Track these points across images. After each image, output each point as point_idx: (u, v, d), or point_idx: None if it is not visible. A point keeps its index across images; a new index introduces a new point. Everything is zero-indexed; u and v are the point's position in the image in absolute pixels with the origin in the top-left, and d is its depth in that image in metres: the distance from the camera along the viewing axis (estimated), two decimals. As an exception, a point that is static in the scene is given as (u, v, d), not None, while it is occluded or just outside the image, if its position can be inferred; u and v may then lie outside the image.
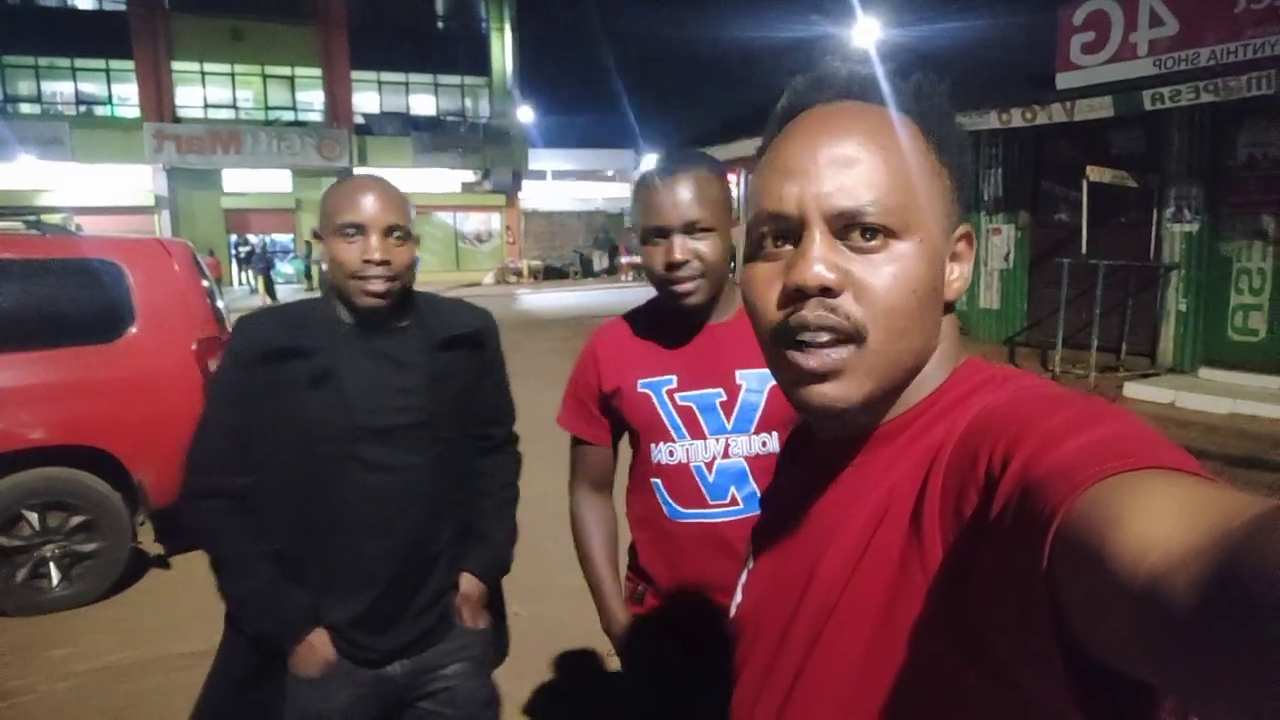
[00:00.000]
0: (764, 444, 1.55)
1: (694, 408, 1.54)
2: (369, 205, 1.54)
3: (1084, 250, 8.17)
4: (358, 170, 26.92)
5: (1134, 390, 7.95)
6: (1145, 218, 8.73)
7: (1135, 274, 8.67)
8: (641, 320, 1.66)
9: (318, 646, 1.59)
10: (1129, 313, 8.86)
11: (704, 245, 1.48)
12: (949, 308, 0.71)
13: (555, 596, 3.97)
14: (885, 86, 0.69)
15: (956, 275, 0.70)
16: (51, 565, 4.02)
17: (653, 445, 1.58)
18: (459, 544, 1.71)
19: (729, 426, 1.54)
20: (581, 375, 1.67)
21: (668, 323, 1.58)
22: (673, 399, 1.55)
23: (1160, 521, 0.39)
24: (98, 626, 3.86)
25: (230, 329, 1.65)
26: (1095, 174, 8.02)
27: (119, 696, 3.24)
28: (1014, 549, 0.48)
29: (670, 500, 1.58)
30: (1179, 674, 0.37)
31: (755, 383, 1.53)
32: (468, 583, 1.74)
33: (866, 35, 15.71)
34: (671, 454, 1.56)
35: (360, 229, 1.53)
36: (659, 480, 1.59)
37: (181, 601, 4.00)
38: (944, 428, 0.63)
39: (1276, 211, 7.86)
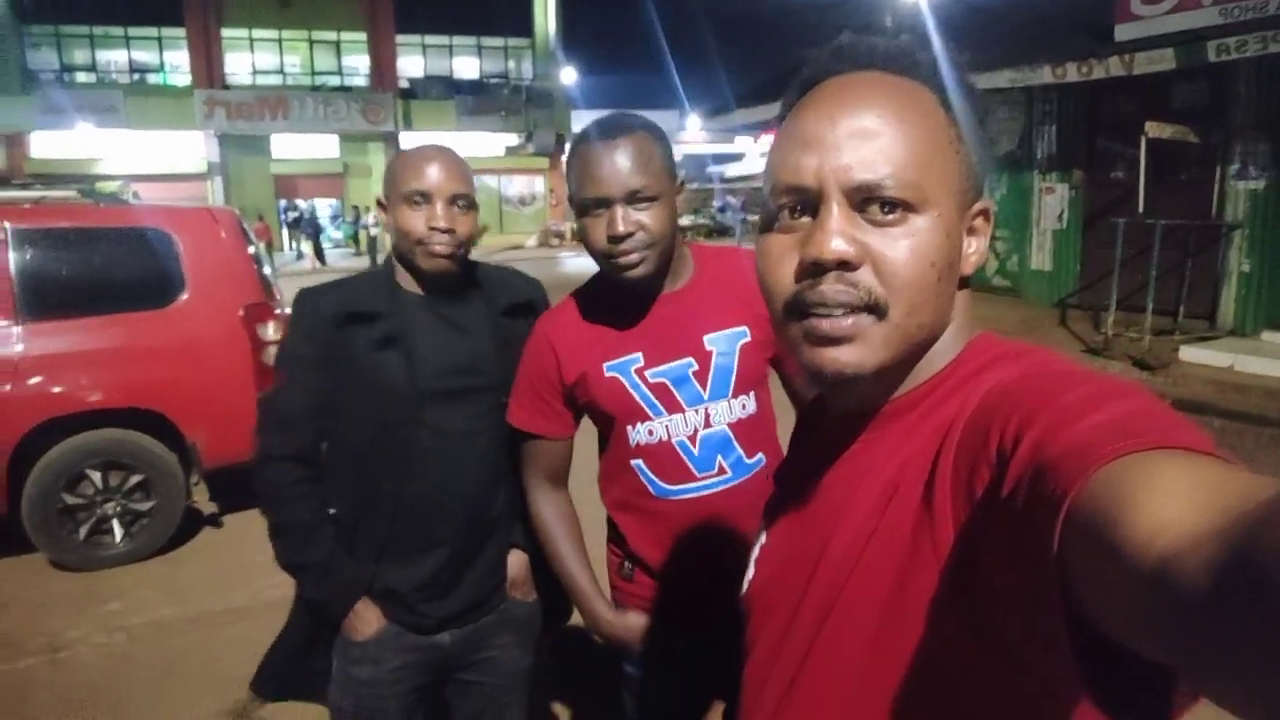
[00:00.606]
0: (744, 406, 1.50)
1: (667, 382, 1.47)
2: (435, 174, 1.56)
3: (1141, 209, 7.89)
4: (403, 135, 27.08)
5: (1190, 354, 7.71)
6: (1207, 175, 8.39)
7: (1195, 233, 8.36)
8: (591, 299, 1.55)
9: (364, 615, 1.63)
10: (1188, 274, 8.56)
11: (648, 215, 1.39)
12: (964, 283, 0.70)
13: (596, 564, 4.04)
14: (906, 57, 0.68)
15: (974, 250, 0.69)
16: (114, 522, 4.20)
17: (629, 427, 1.50)
18: (513, 512, 1.73)
19: (706, 395, 1.48)
20: (536, 367, 1.55)
21: (620, 298, 1.49)
22: (643, 377, 1.47)
23: (1173, 503, 0.39)
24: (147, 582, 4.04)
25: (285, 298, 1.68)
26: (1154, 130, 7.71)
27: (167, 650, 3.39)
28: (1025, 528, 0.47)
29: (656, 479, 1.51)
30: (1189, 656, 0.37)
31: (725, 345, 1.47)
32: (516, 559, 1.76)
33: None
34: (651, 433, 1.49)
35: (426, 197, 1.56)
36: (640, 460, 1.51)
37: (226, 560, 4.16)
38: (956, 404, 0.63)
39: (1349, 167, 7.49)
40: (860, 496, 0.66)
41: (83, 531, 4.14)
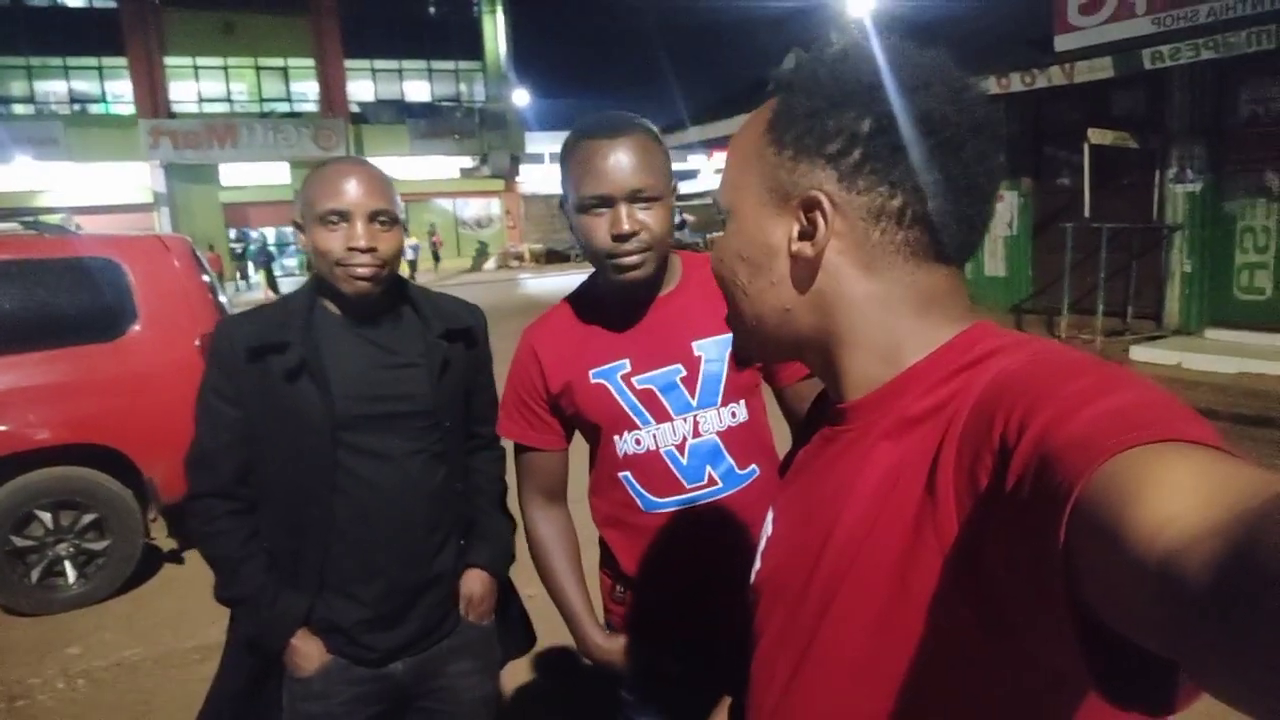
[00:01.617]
0: (734, 415, 1.46)
1: (654, 389, 1.43)
2: (352, 191, 1.48)
3: (1087, 214, 8.10)
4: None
5: (1140, 353, 7.92)
6: (1148, 179, 8.65)
7: (1139, 236, 8.60)
8: (580, 305, 1.51)
9: (303, 649, 1.57)
10: (1134, 275, 8.80)
11: (650, 216, 1.35)
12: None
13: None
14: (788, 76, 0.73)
15: (812, 242, 0.68)
16: (66, 564, 4.05)
17: (616, 437, 1.46)
18: (461, 536, 1.70)
19: (694, 403, 1.43)
20: (522, 377, 1.52)
21: (610, 303, 1.46)
22: (630, 384, 1.43)
23: (1178, 497, 0.39)
24: (110, 623, 3.89)
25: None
26: (1096, 136, 7.94)
27: (134, 693, 3.27)
28: (1031, 522, 0.47)
29: (644, 491, 1.47)
30: (1193, 652, 0.37)
31: (714, 352, 1.43)
32: (472, 580, 1.71)
33: (861, 4, 15.54)
34: (639, 442, 1.45)
35: (344, 215, 1.48)
36: (628, 473, 1.47)
37: (193, 596, 4.03)
38: (957, 392, 0.62)
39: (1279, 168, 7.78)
40: (861, 484, 0.66)
41: (34, 575, 3.98)
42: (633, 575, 1.53)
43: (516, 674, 2.90)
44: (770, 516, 0.84)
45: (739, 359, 0.83)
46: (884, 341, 0.68)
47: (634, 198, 1.34)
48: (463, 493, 1.71)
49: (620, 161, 1.33)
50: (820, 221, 0.67)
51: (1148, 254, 8.71)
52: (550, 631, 3.45)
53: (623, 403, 1.44)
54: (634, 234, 1.34)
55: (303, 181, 1.54)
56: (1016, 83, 8.74)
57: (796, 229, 0.68)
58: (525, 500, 1.60)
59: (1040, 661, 0.52)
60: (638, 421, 1.45)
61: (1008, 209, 10.12)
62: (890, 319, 0.68)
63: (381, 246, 1.50)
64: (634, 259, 1.36)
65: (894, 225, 0.66)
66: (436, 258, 27.86)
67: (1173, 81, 8.18)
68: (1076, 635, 0.45)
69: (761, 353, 0.79)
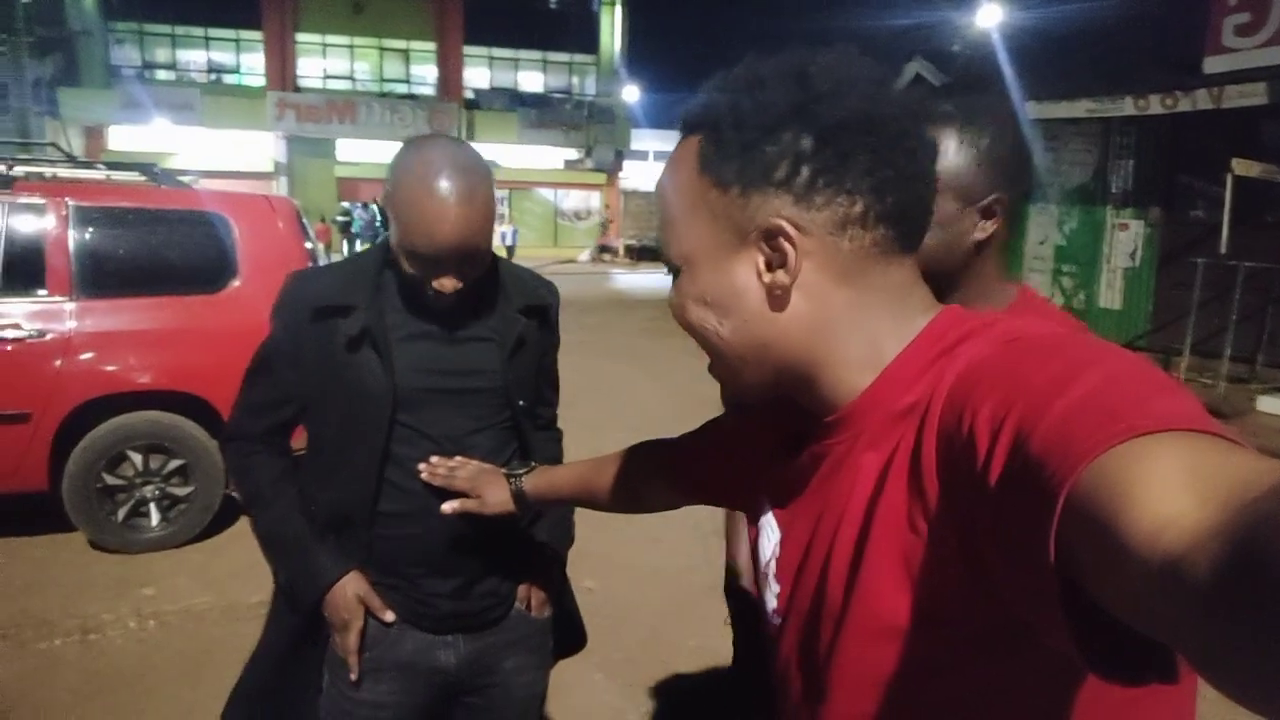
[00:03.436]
0: None
1: None
2: (443, 239, 1.32)
3: (1223, 250, 7.53)
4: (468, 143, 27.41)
5: (1268, 404, 7.33)
6: (1293, 218, 7.99)
7: (1277, 278, 7.95)
8: None
9: (344, 591, 1.45)
10: (1269, 320, 8.14)
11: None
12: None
13: (628, 576, 3.90)
14: (689, 116, 0.72)
15: (785, 270, 0.67)
16: (151, 506, 4.17)
17: None
18: (534, 518, 1.60)
19: None
20: None
21: None
22: None
23: (1172, 497, 0.39)
24: (185, 569, 3.98)
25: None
26: (1241, 168, 7.35)
27: (198, 640, 3.32)
28: (1020, 526, 0.47)
29: None
30: (1201, 654, 0.36)
31: None
32: (535, 560, 1.62)
33: (989, 17, 14.94)
34: None
35: (431, 260, 1.35)
36: None
37: (260, 552, 4.09)
38: (929, 386, 0.62)
39: None
40: (855, 498, 0.66)
41: (121, 513, 4.12)
42: None
43: (595, 655, 2.82)
44: (776, 539, 0.80)
45: (730, 406, 0.83)
46: (866, 347, 0.68)
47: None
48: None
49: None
50: (788, 247, 0.66)
51: (1287, 298, 8.04)
52: (610, 627, 3.41)
53: None
54: None
55: (396, 163, 1.37)
56: (1156, 105, 8.21)
57: (762, 260, 0.68)
58: None
59: (1054, 651, 0.52)
60: None
61: (1132, 239, 9.53)
62: (871, 323, 0.68)
63: (470, 276, 1.39)
64: None
65: (860, 230, 0.66)
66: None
67: (1334, 114, 7.52)
68: (1074, 637, 0.45)
69: (748, 392, 0.76)
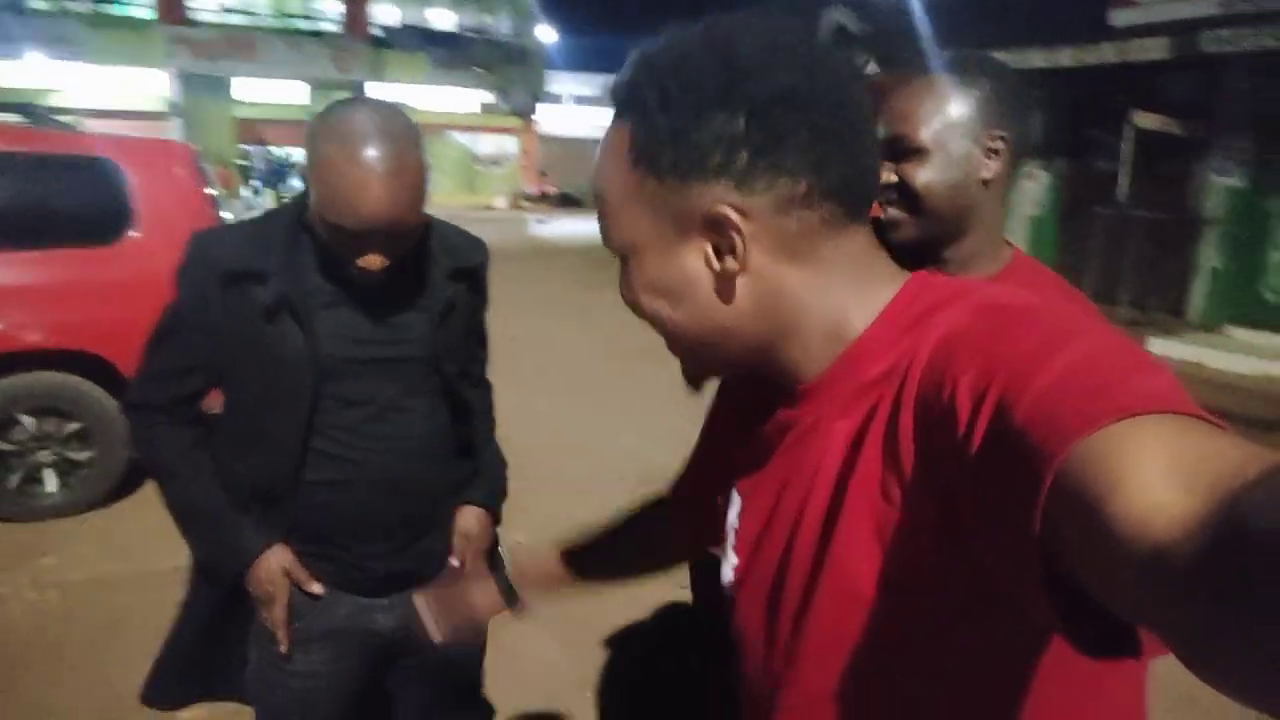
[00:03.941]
0: None
1: None
2: (368, 214, 1.22)
3: (1121, 200, 7.86)
4: (370, 86, 26.34)
5: (1158, 346, 7.76)
6: (1187, 169, 8.41)
7: (1171, 227, 8.38)
8: None
9: (269, 562, 1.39)
10: (1160, 267, 8.59)
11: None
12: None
13: (553, 529, 3.89)
14: (617, 96, 0.69)
15: (734, 256, 0.65)
16: (48, 471, 3.94)
17: None
18: (457, 481, 1.56)
19: None
20: None
21: None
22: None
23: (1159, 484, 0.39)
24: (88, 536, 3.80)
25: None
26: (1142, 119, 7.68)
27: (106, 610, 3.17)
28: (1002, 502, 0.47)
29: None
30: (1188, 644, 0.36)
31: None
32: (469, 517, 1.57)
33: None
34: None
35: (357, 235, 1.25)
36: None
37: (174, 514, 3.93)
38: (905, 353, 0.61)
39: (1327, 168, 7.53)
40: (824, 468, 0.65)
41: (14, 480, 3.88)
42: None
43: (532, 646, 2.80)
44: (736, 509, 0.79)
45: (690, 381, 0.81)
46: (830, 320, 0.67)
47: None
48: (461, 434, 1.56)
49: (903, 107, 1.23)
50: (734, 235, 0.63)
51: (1178, 246, 8.49)
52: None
53: None
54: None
55: (315, 128, 1.26)
56: (1065, 59, 8.44)
57: (710, 249, 0.65)
58: None
59: (1029, 624, 0.53)
60: None
61: (1037, 188, 9.86)
62: (831, 298, 0.66)
63: (396, 253, 1.30)
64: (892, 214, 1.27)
65: (806, 209, 0.64)
66: None
67: (1227, 69, 7.86)
68: (1056, 612, 0.45)
69: (711, 372, 0.77)
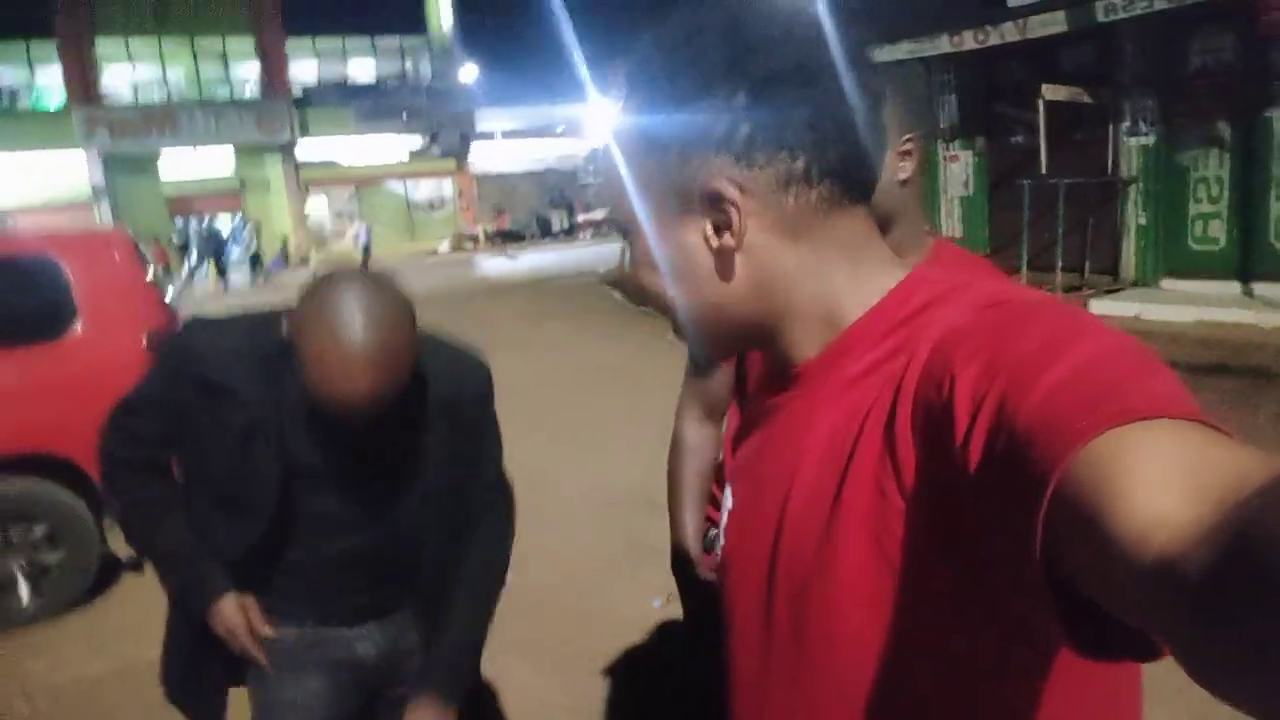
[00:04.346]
0: None
1: None
2: (352, 401, 1.21)
3: (1043, 170, 8.14)
4: (300, 144, 26.12)
5: (1099, 306, 8.01)
6: (1101, 134, 8.72)
7: (1095, 190, 8.68)
8: None
9: (227, 609, 1.44)
10: (1090, 230, 8.89)
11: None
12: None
13: (533, 561, 3.90)
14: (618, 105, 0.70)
15: (731, 232, 0.66)
16: (20, 579, 3.86)
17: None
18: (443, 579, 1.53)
19: None
20: None
21: None
22: None
23: (1164, 492, 0.38)
24: (71, 638, 3.73)
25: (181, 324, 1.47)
26: (1050, 92, 7.96)
27: (97, 708, 3.13)
28: (1003, 506, 0.46)
29: None
30: (1191, 655, 0.36)
31: None
32: (423, 713, 1.47)
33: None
34: None
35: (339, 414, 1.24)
36: None
37: (153, 605, 3.84)
38: (903, 345, 0.61)
39: (1230, 118, 7.87)
40: (810, 448, 0.65)
41: (-14, 592, 3.79)
42: None
43: (514, 654, 2.82)
44: (729, 490, 0.81)
45: (697, 363, 0.79)
46: (824, 303, 0.67)
47: None
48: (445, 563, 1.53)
49: None
50: (731, 210, 0.64)
51: (1104, 208, 8.79)
52: (527, 622, 3.41)
53: None
54: None
55: (304, 301, 1.24)
56: (970, 41, 8.73)
57: (709, 224, 0.66)
58: (684, 407, 1.64)
59: (1027, 622, 0.54)
60: None
61: (963, 168, 10.15)
62: (826, 280, 0.67)
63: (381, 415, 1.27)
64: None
65: (805, 186, 0.64)
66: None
67: (1124, 35, 8.20)
68: (1056, 614, 0.44)
69: (714, 351, 0.76)
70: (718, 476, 1.64)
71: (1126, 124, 8.47)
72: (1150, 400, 0.43)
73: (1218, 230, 8.16)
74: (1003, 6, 8.69)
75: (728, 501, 0.80)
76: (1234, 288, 7.90)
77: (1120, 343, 0.49)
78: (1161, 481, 0.39)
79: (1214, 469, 0.39)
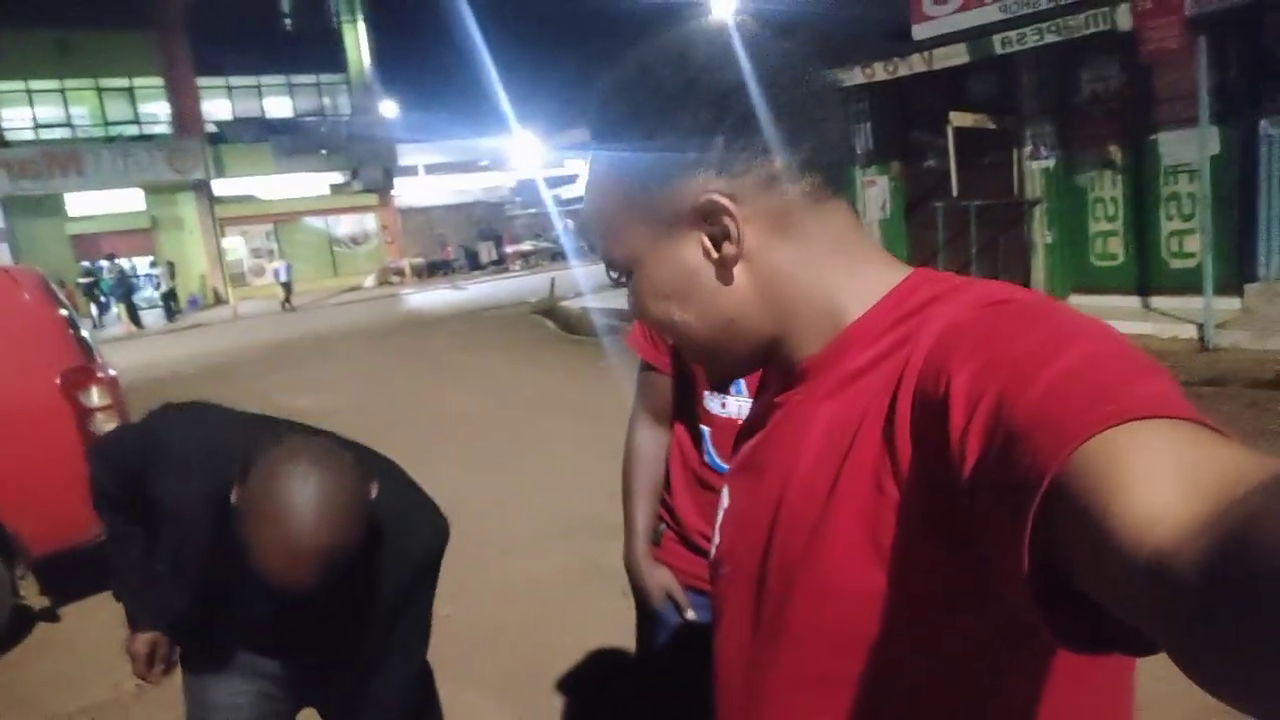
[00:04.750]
0: None
1: None
2: (293, 581, 1.16)
3: (955, 193, 8.51)
4: (216, 183, 25.46)
5: (1013, 322, 8.36)
6: (1006, 157, 9.16)
7: (1003, 211, 9.10)
8: None
9: (137, 643, 1.61)
10: (1001, 249, 9.30)
11: None
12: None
13: (488, 594, 3.87)
14: (593, 130, 0.72)
15: (729, 240, 0.67)
16: (-78, 636, 3.64)
17: (707, 393, 1.56)
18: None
19: None
20: None
21: None
22: None
23: (1161, 491, 0.39)
24: (-13, 692, 3.52)
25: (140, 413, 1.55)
26: (958, 119, 8.35)
27: (20, 765, 2.96)
28: (996, 501, 0.47)
29: (714, 452, 1.57)
30: (1183, 645, 0.36)
31: None
32: None
33: (724, 4, 15.84)
34: (724, 406, 1.55)
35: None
36: (707, 429, 1.58)
37: (72, 655, 3.70)
38: (903, 341, 0.61)
39: (1120, 141, 8.37)
40: (807, 444, 0.65)
41: (-115, 651, 3.56)
42: (681, 514, 1.64)
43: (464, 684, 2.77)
44: (726, 489, 0.81)
45: (714, 384, 0.81)
46: (824, 298, 0.68)
47: None
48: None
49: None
50: (726, 220, 0.66)
51: (1012, 228, 9.21)
52: (476, 653, 3.36)
53: None
54: None
55: (255, 478, 1.17)
56: (880, 72, 9.10)
57: (706, 239, 0.67)
58: (635, 413, 1.72)
59: (1021, 619, 0.52)
60: (730, 388, 1.53)
61: (880, 192, 10.52)
62: (824, 273, 0.68)
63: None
64: None
65: (789, 183, 0.66)
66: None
67: (1021, 65, 8.67)
68: (1040, 611, 0.44)
69: (732, 371, 0.76)
70: (667, 479, 1.71)
71: (1029, 148, 8.92)
72: (1148, 401, 0.43)
73: (1116, 247, 8.64)
74: (908, 39, 9.10)
75: (724, 500, 0.81)
76: (1134, 301, 8.35)
77: (1118, 345, 0.50)
78: (1159, 479, 0.39)
79: (1212, 467, 0.39)
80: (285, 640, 1.50)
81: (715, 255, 0.67)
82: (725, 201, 0.65)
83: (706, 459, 1.59)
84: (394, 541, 1.37)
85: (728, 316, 0.69)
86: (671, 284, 0.69)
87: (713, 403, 1.56)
